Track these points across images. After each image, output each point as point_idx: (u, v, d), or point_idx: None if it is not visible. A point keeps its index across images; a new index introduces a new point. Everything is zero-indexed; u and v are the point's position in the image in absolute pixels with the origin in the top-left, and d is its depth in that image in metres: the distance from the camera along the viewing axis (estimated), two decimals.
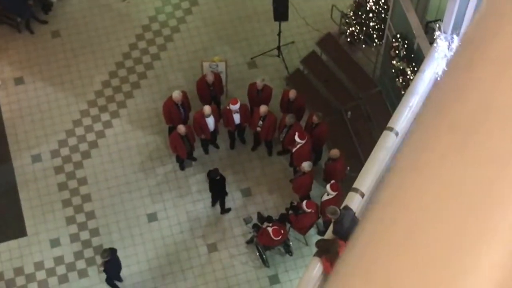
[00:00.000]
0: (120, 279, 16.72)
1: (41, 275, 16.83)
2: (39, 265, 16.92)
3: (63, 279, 16.87)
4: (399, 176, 2.79)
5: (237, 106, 17.07)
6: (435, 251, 2.52)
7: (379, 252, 2.76)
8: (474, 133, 2.51)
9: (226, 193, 17.31)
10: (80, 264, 17.01)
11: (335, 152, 16.53)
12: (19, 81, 19.04)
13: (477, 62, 2.60)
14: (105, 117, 18.66)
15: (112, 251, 15.95)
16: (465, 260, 2.48)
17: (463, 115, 2.54)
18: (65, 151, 18.22)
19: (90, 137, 18.42)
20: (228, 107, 17.21)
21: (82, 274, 16.92)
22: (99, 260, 16.87)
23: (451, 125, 2.57)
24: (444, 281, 2.49)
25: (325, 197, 16.00)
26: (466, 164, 2.50)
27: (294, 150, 16.99)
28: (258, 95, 17.63)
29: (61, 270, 16.92)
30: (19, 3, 19.06)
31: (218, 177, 16.60)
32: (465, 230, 2.49)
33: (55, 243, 17.22)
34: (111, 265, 15.98)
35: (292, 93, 17.42)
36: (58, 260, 17.04)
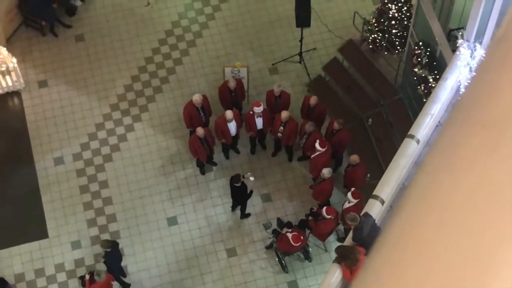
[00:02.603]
0: (123, 274, 16.76)
1: (61, 277, 16.95)
2: (59, 267, 17.03)
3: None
4: (429, 174, 2.82)
5: (261, 108, 17.11)
6: (467, 249, 2.54)
7: (408, 250, 2.78)
8: (507, 130, 2.53)
9: (247, 198, 17.27)
10: (101, 267, 17.05)
11: (355, 158, 16.54)
12: (42, 84, 19.20)
13: (510, 60, 2.62)
14: (127, 120, 18.77)
15: (113, 243, 16.08)
16: (497, 257, 2.50)
17: (496, 113, 2.56)
18: (87, 154, 18.34)
19: (112, 140, 18.53)
20: (251, 112, 17.26)
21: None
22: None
23: (484, 123, 2.60)
24: (476, 278, 2.51)
25: (347, 205, 15.98)
26: (498, 161, 2.52)
27: (311, 156, 17.00)
28: (277, 101, 17.67)
29: (81, 272, 16.99)
30: (44, 7, 19.22)
31: (239, 184, 16.62)
32: (497, 227, 2.51)
33: (76, 245, 17.33)
34: (111, 256, 16.06)
35: (313, 99, 17.44)
36: (79, 262, 17.14)
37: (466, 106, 2.74)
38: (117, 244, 16.41)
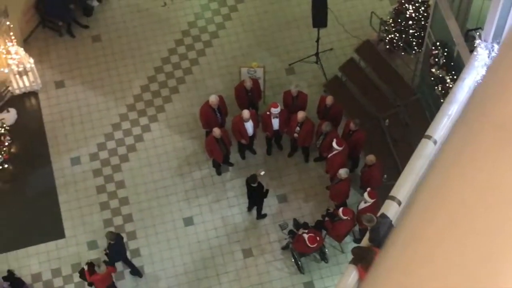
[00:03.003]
0: (130, 265, 16.83)
1: (78, 277, 16.96)
2: (76, 267, 17.05)
3: None
4: (441, 172, 2.80)
5: (278, 109, 17.09)
6: (478, 247, 2.52)
7: (417, 252, 2.76)
8: None
9: (263, 198, 17.23)
10: (117, 267, 17.10)
11: (371, 158, 16.49)
12: (59, 84, 19.26)
13: None
14: (143, 121, 18.80)
15: (118, 236, 16.14)
16: (508, 254, 2.48)
17: (506, 113, 2.54)
18: (104, 154, 18.38)
19: (129, 140, 18.56)
20: (268, 112, 17.24)
21: (119, 276, 17.03)
22: (136, 263, 17.02)
23: (495, 123, 2.58)
24: (487, 275, 2.49)
25: (363, 205, 15.94)
26: (509, 160, 2.50)
27: (328, 156, 16.96)
28: (294, 102, 17.63)
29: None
30: (61, 7, 19.29)
31: (255, 184, 16.59)
32: (508, 226, 2.49)
33: (92, 245, 17.38)
34: (114, 249, 16.11)
35: (329, 99, 17.40)
36: (95, 262, 17.14)
37: (477, 105, 2.72)
38: (122, 237, 16.43)
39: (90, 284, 16.05)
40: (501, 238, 2.49)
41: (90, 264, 15.80)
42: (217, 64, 19.57)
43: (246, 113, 17.06)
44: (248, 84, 17.59)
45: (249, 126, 17.28)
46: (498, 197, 2.51)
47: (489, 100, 2.67)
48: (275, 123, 17.40)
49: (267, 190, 16.96)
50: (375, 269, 3.12)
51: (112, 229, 17.42)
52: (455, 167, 2.71)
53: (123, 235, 17.35)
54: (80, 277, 16.28)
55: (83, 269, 16.02)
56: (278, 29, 20.06)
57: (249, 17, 20.24)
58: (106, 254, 16.29)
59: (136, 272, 16.97)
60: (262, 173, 16.98)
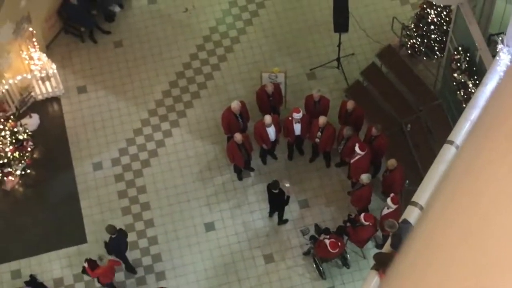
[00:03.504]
0: (125, 261, 16.94)
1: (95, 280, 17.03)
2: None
3: (122, 286, 17.05)
4: (455, 180, 2.79)
5: (300, 114, 17.07)
6: (492, 255, 2.51)
7: (434, 256, 2.75)
8: None
9: (285, 204, 17.21)
10: (139, 272, 17.17)
11: (392, 162, 16.43)
12: (82, 89, 19.35)
13: None
14: (165, 126, 18.85)
15: (121, 231, 16.24)
16: None
17: None
18: (125, 159, 18.45)
19: (150, 146, 18.61)
20: (290, 117, 17.23)
21: (141, 281, 17.08)
22: (157, 268, 17.06)
23: (506, 133, 2.56)
24: (503, 283, 2.47)
25: (386, 211, 15.89)
26: None
27: (352, 161, 16.93)
28: (315, 106, 17.61)
29: (119, 277, 17.09)
30: (84, 13, 19.39)
31: (277, 190, 16.58)
32: None
33: None
34: (114, 243, 16.22)
35: (350, 104, 17.35)
36: (117, 267, 17.19)
37: (492, 113, 2.71)
38: (125, 233, 16.50)
39: (99, 281, 16.22)
40: None
41: (90, 261, 15.92)
42: (238, 69, 19.59)
43: (268, 118, 17.06)
44: (270, 89, 17.60)
45: (271, 131, 17.28)
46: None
47: (502, 109, 2.65)
48: (297, 128, 17.38)
49: (288, 197, 16.94)
50: (392, 273, 3.12)
51: (134, 234, 17.49)
52: (470, 173, 2.71)
53: (145, 240, 17.42)
54: (83, 272, 16.39)
55: (84, 267, 16.12)
56: (299, 34, 20.05)
57: (270, 22, 20.25)
58: (105, 245, 16.37)
59: (131, 269, 17.07)
60: (287, 184, 16.96)
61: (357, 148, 16.55)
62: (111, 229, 16.04)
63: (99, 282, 16.40)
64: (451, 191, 2.83)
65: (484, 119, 2.87)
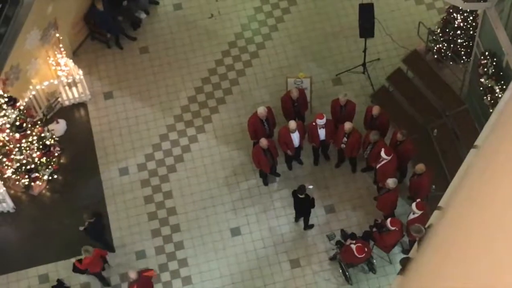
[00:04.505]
0: (109, 248, 17.28)
1: (126, 286, 17.09)
2: (124, 277, 17.18)
3: None
4: (473, 180, 2.81)
5: (323, 120, 17.07)
6: (507, 249, 2.52)
7: (449, 252, 2.77)
8: None
9: (311, 207, 17.19)
10: (165, 277, 17.23)
11: (420, 167, 16.37)
12: (108, 95, 19.47)
13: None
14: (190, 132, 18.91)
15: (98, 215, 16.76)
16: None
17: None
18: (151, 165, 18.52)
19: (176, 151, 18.68)
20: (314, 123, 17.23)
21: (167, 286, 17.14)
22: (183, 273, 17.11)
23: None
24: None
25: (411, 216, 15.85)
26: None
27: (378, 166, 16.90)
28: (342, 111, 17.60)
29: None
30: (110, 19, 19.51)
31: (303, 195, 16.57)
32: None
33: (140, 255, 17.50)
34: (94, 227, 16.64)
35: (376, 109, 17.32)
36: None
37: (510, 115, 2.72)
38: (101, 216, 16.96)
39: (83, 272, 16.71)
40: None
41: (79, 260, 16.36)
42: (263, 75, 19.62)
43: (292, 124, 17.07)
44: (295, 94, 17.60)
45: (295, 137, 17.28)
46: None
47: None
48: (322, 133, 17.37)
49: (313, 199, 16.93)
50: (411, 270, 3.14)
51: (160, 239, 17.55)
52: (489, 171, 2.73)
53: (171, 245, 17.49)
54: (75, 271, 16.72)
55: (74, 265, 16.52)
56: (325, 40, 20.05)
57: (295, 28, 20.27)
58: (84, 230, 16.70)
59: (111, 248, 17.37)
60: (311, 187, 17.00)
61: (382, 153, 16.52)
62: (89, 214, 16.49)
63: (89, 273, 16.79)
64: (469, 190, 2.86)
65: (502, 119, 2.89)
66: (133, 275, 15.62)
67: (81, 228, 16.74)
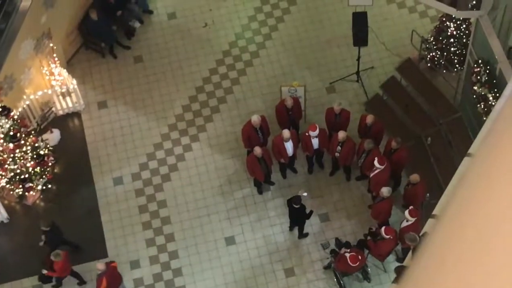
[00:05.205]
0: (76, 247, 17.30)
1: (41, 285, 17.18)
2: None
3: None
4: (468, 186, 2.81)
5: (316, 132, 17.08)
6: (504, 253, 2.51)
7: (450, 254, 2.77)
8: None
9: (305, 219, 17.19)
10: (160, 286, 17.19)
11: (415, 177, 16.39)
12: (102, 105, 19.45)
13: None
14: (185, 140, 18.90)
15: (51, 222, 16.73)
16: None
17: None
18: (146, 174, 18.51)
19: (170, 160, 18.67)
20: (307, 133, 17.23)
21: None
22: (178, 282, 17.09)
23: None
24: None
25: (404, 224, 15.86)
26: None
27: (371, 175, 16.90)
28: (336, 119, 17.61)
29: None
30: (104, 29, 19.51)
31: (298, 205, 16.57)
32: None
33: (135, 264, 17.47)
34: (51, 235, 16.66)
35: (370, 118, 17.34)
36: (138, 282, 17.27)
37: (506, 117, 2.72)
38: (54, 222, 16.93)
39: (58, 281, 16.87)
40: None
41: (50, 266, 16.46)
42: (258, 84, 19.64)
43: (286, 133, 17.08)
44: (289, 102, 17.62)
45: (289, 146, 17.29)
46: None
47: None
48: (315, 142, 17.38)
49: (311, 212, 16.95)
50: (407, 278, 3.14)
51: (154, 248, 17.52)
52: (484, 176, 2.72)
53: (165, 254, 17.46)
54: (42, 281, 16.91)
55: (42, 275, 16.66)
56: (318, 48, 20.07)
57: (289, 36, 20.29)
58: (45, 243, 16.75)
59: (76, 246, 17.38)
60: (305, 194, 17.01)
61: (376, 162, 16.53)
62: (44, 223, 16.58)
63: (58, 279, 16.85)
64: (463, 198, 2.85)
65: (498, 125, 2.89)
66: (101, 266, 15.87)
67: (41, 244, 16.81)
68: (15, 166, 17.10)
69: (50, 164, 17.96)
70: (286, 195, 17.68)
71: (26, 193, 17.84)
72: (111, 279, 16.08)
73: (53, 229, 16.75)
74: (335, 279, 16.91)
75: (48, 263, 16.43)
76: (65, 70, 18.91)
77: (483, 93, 15.95)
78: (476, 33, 16.41)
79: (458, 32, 17.74)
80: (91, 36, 19.88)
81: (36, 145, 17.48)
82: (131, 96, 19.57)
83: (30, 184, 17.62)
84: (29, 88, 18.29)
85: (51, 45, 18.42)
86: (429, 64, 18.80)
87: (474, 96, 16.23)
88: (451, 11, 16.13)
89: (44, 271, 16.57)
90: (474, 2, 15.75)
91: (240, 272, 17.29)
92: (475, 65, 16.19)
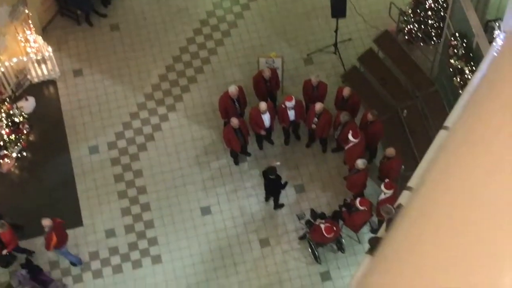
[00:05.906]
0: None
1: (96, 264, 17.09)
2: (94, 255, 17.17)
3: (118, 269, 17.10)
4: (449, 153, 2.83)
5: (292, 103, 17.09)
6: (481, 222, 2.55)
7: (428, 226, 2.79)
8: None
9: (281, 189, 17.25)
10: (135, 255, 17.21)
11: (391, 151, 16.46)
12: (78, 73, 19.32)
13: None
14: (161, 110, 18.84)
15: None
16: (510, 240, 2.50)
17: None
18: (122, 143, 18.44)
19: (147, 129, 18.61)
20: (283, 105, 17.24)
21: (136, 264, 17.12)
22: (153, 251, 17.11)
23: (504, 104, 2.61)
24: (488, 260, 2.51)
25: (382, 196, 15.95)
26: None
27: (346, 148, 16.96)
28: (314, 91, 17.62)
29: (115, 260, 17.15)
30: None
31: (273, 176, 16.62)
32: None
33: (110, 233, 17.46)
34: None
35: (347, 91, 17.37)
36: (113, 250, 17.27)
37: (486, 86, 2.74)
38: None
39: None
40: (507, 216, 2.51)
41: None
42: (235, 54, 19.57)
43: (263, 105, 17.07)
44: (267, 74, 17.59)
45: (266, 118, 17.28)
46: (507, 178, 2.54)
47: (499, 80, 2.70)
48: (291, 114, 17.39)
49: (286, 182, 17.00)
50: (384, 248, 3.16)
51: (130, 218, 17.52)
52: (464, 148, 2.75)
53: (141, 223, 17.48)
54: (5, 264, 16.90)
55: (2, 258, 16.62)
56: (296, 19, 20.03)
57: (267, 7, 20.22)
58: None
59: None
60: (278, 163, 17.05)
61: (350, 136, 16.57)
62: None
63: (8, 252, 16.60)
64: (443, 167, 2.87)
65: (477, 95, 2.92)
66: (48, 222, 15.82)
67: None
68: None
69: (25, 132, 17.87)
70: (262, 166, 17.71)
71: (1, 161, 17.75)
72: (59, 234, 16.06)
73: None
74: (310, 250, 17.01)
75: None
76: (40, 37, 18.75)
77: (459, 66, 16.02)
78: (454, 6, 16.44)
79: (436, 5, 17.75)
80: (66, 3, 19.69)
81: (11, 112, 17.36)
82: (107, 64, 19.43)
83: (5, 152, 17.52)
84: (4, 55, 18.12)
85: (26, 11, 18.23)
86: (406, 37, 18.83)
87: (451, 69, 16.29)
88: None
89: (4, 251, 16.39)
90: None
91: (216, 242, 17.34)
92: (452, 38, 16.23)
